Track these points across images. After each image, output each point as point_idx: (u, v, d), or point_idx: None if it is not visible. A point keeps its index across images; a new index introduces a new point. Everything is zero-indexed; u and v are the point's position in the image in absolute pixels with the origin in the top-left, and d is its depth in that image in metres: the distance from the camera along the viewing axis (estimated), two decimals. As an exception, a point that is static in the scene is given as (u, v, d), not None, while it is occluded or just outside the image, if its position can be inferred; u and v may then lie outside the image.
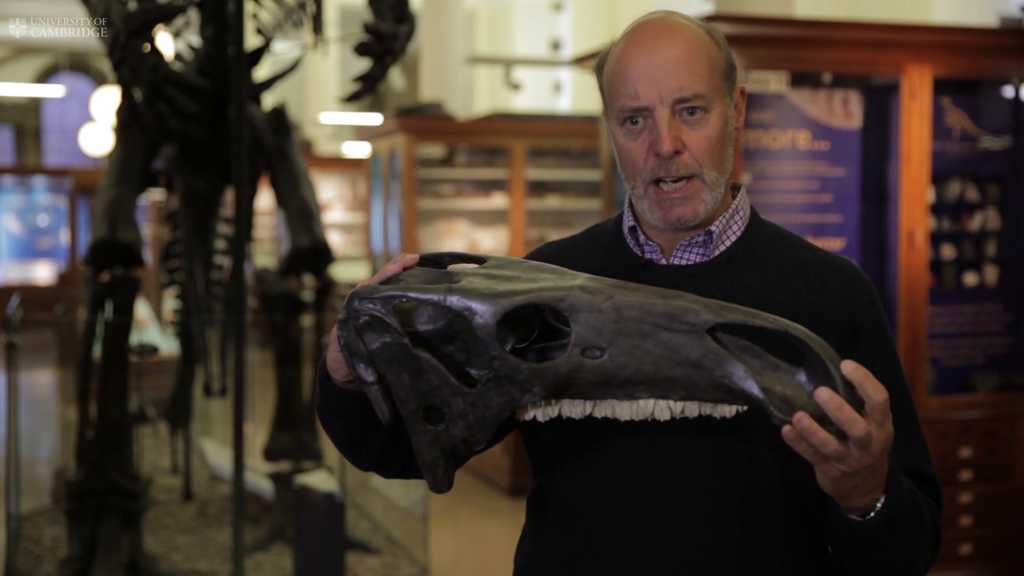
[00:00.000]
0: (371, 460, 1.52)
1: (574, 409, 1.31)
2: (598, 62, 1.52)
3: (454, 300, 1.28)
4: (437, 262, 1.41)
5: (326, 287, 4.86)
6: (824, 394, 1.18)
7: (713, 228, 1.48)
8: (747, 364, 1.23)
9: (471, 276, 1.32)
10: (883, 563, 1.37)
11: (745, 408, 1.25)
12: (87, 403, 4.56)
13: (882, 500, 1.29)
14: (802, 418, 1.18)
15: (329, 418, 1.49)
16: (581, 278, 1.30)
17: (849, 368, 1.19)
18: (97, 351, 4.48)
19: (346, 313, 1.31)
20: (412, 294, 1.30)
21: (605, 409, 1.29)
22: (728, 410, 1.26)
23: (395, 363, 1.30)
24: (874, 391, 1.19)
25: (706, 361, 1.23)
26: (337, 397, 1.45)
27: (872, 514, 1.30)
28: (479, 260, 1.39)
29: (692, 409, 1.27)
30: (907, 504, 1.33)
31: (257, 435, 6.68)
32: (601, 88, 1.51)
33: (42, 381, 10.28)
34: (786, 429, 1.19)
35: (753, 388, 1.22)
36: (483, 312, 1.27)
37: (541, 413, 1.31)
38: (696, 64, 1.42)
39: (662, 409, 1.27)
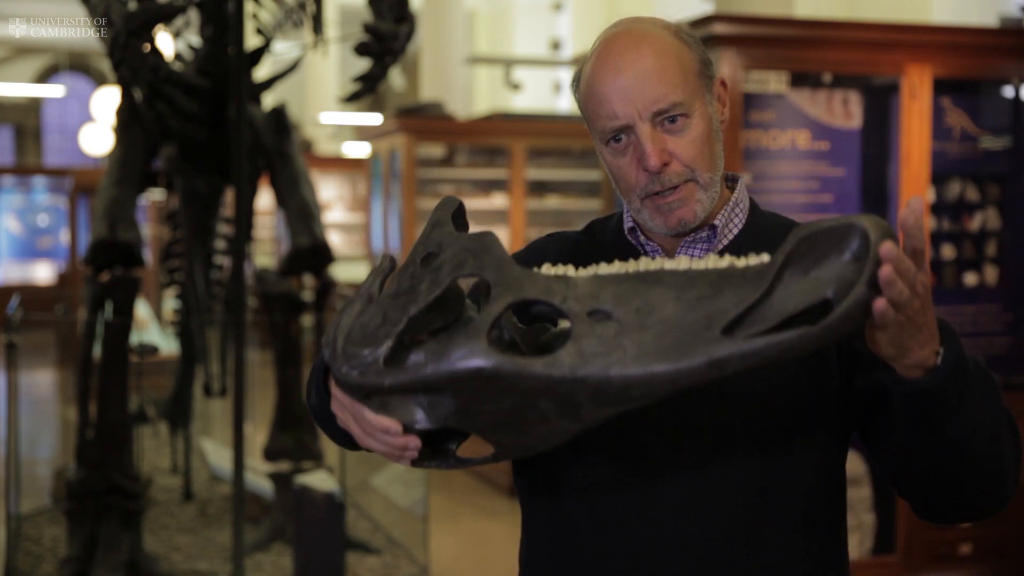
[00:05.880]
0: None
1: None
2: (573, 80, 1.50)
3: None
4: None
5: (326, 287, 4.86)
6: (886, 245, 1.13)
7: (716, 223, 1.48)
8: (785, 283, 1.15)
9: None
10: (963, 435, 1.29)
11: (766, 261, 1.15)
12: (87, 403, 4.56)
13: (942, 349, 1.25)
14: (890, 246, 1.12)
15: (329, 419, 1.41)
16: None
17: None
18: (97, 351, 4.48)
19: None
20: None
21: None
22: (754, 259, 1.17)
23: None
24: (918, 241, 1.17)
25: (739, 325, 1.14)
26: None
27: (939, 360, 1.24)
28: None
29: (715, 260, 1.18)
30: (970, 361, 1.28)
31: (257, 435, 6.68)
32: (580, 106, 1.50)
33: (42, 381, 10.28)
34: (885, 270, 1.12)
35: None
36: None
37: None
38: (668, 72, 1.39)
39: (679, 261, 1.19)
